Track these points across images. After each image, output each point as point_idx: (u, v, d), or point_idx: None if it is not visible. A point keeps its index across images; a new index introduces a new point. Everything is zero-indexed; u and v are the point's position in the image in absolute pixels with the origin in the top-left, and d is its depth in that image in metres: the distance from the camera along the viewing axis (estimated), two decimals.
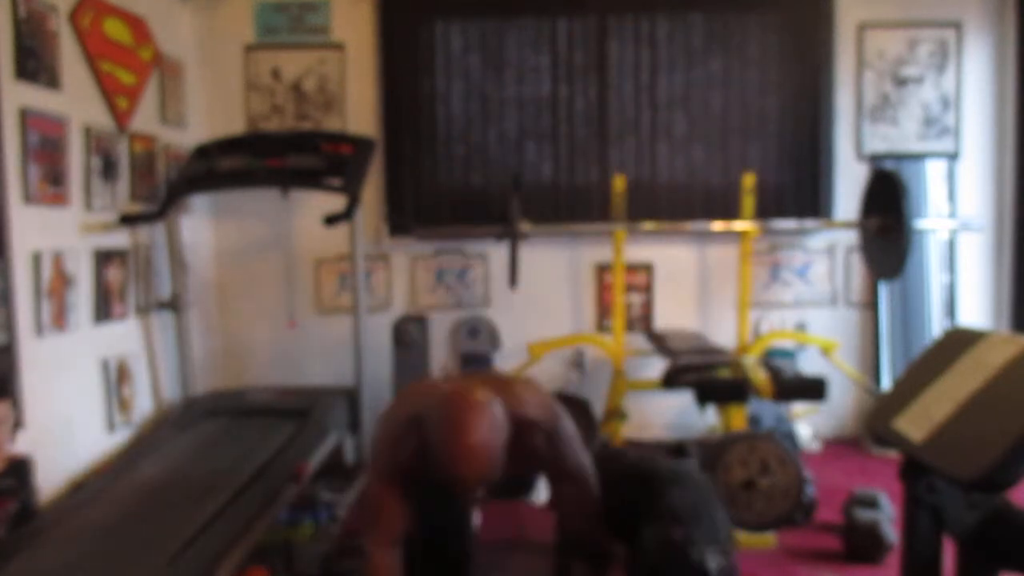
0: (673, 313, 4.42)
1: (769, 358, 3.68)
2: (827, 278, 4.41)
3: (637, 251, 4.30)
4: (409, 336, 3.88)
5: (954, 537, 1.81)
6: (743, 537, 2.76)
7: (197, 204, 4.17)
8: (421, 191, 4.36)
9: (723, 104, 4.33)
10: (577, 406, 3.45)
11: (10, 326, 2.64)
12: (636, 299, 4.41)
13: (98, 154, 3.23)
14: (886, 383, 4.24)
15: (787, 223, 4.14)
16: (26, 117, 2.74)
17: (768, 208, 4.17)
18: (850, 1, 4.29)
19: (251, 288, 4.41)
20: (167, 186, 3.74)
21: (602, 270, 4.40)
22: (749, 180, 3.90)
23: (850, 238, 4.26)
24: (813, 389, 3.02)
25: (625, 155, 4.34)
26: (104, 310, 3.26)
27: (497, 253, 4.32)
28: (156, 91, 3.78)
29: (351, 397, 3.68)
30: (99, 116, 3.27)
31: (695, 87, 4.33)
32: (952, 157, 4.33)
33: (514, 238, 3.78)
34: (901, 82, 4.32)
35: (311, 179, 3.61)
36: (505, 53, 4.34)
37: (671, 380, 3.06)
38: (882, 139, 4.35)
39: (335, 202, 3.61)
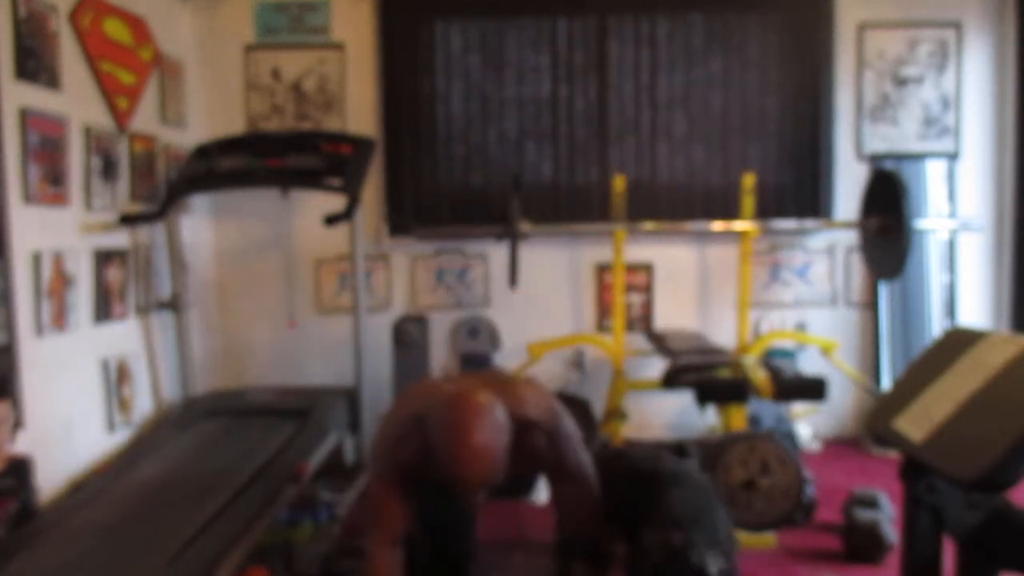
0: (673, 313, 4.42)
1: (769, 358, 3.68)
2: (827, 278, 4.41)
3: (637, 251, 4.30)
4: (409, 336, 3.88)
5: (954, 537, 1.81)
6: (743, 537, 2.76)
7: (197, 204, 4.17)
8: (421, 191, 4.36)
9: (723, 104, 4.33)
10: (577, 406, 3.45)
11: (10, 326, 2.64)
12: (636, 299, 4.41)
13: (98, 154, 3.23)
14: (886, 383, 4.24)
15: (787, 223, 4.14)
16: (26, 117, 2.74)
17: (768, 208, 4.17)
18: (850, 1, 4.29)
19: (251, 288, 4.41)
20: (167, 186, 3.74)
21: (602, 270, 4.40)
22: (749, 180, 3.90)
23: (850, 238, 4.26)
24: (813, 389, 3.02)
25: (625, 155, 4.34)
26: (104, 310, 3.26)
27: (497, 253, 4.32)
28: (156, 91, 3.78)
29: (351, 397, 3.68)
30: (99, 116, 3.27)
31: (695, 87, 4.33)
32: (952, 157, 4.33)
33: (514, 238, 3.78)
34: (901, 82, 4.32)
35: (311, 179, 3.61)
36: (505, 53, 4.34)
37: (671, 380, 3.06)
38: (882, 139, 4.35)
39: (335, 202, 3.61)
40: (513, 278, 3.79)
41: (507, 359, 4.28)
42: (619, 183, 3.88)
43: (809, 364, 4.09)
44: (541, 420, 2.09)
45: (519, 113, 4.36)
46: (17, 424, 2.60)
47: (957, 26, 4.29)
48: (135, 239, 3.53)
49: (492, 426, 1.87)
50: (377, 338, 4.02)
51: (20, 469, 2.53)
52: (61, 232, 2.99)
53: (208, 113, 4.32)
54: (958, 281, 4.34)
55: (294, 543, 2.74)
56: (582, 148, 4.35)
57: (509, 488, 2.88)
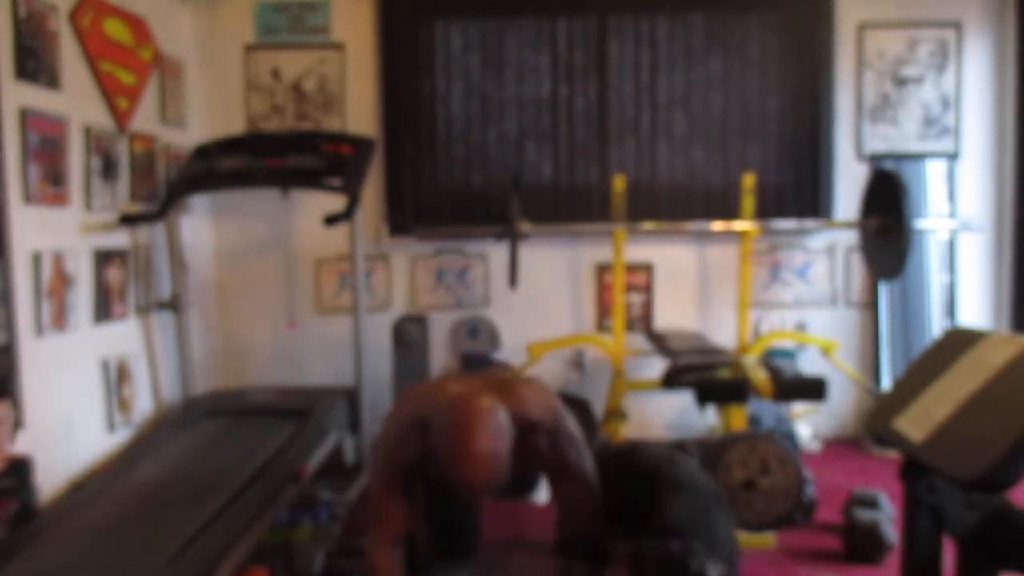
0: (673, 313, 4.42)
1: (769, 358, 3.68)
2: (827, 278, 4.41)
3: (637, 251, 4.29)
4: (409, 336, 3.88)
5: (954, 537, 1.81)
6: (743, 537, 2.76)
7: (197, 204, 4.17)
8: (421, 191, 4.36)
9: (723, 104, 4.33)
10: (577, 406, 3.44)
11: (10, 326, 2.64)
12: (636, 299, 4.41)
13: (98, 154, 3.23)
14: (886, 383, 4.24)
15: (787, 223, 4.14)
16: (26, 117, 2.74)
17: (768, 208, 4.17)
18: (850, 1, 4.29)
19: (251, 288, 4.41)
20: (167, 186, 3.74)
21: (602, 270, 4.40)
22: (749, 180, 3.90)
23: (850, 238, 4.26)
24: (813, 389, 3.02)
25: (625, 155, 4.34)
26: (104, 310, 3.26)
27: (497, 253, 4.32)
28: (156, 91, 3.78)
29: (351, 397, 3.68)
30: (99, 116, 3.27)
31: (695, 87, 4.33)
32: (952, 157, 4.33)
33: (514, 238, 3.78)
34: (901, 82, 4.32)
35: (311, 179, 3.61)
36: (505, 53, 4.34)
37: (671, 380, 3.06)
38: (882, 139, 4.35)
39: (335, 202, 3.61)
40: (513, 278, 3.79)
41: (507, 359, 4.27)
42: (619, 183, 3.88)
43: (809, 364, 4.09)
44: (543, 421, 2.09)
45: (519, 113, 4.36)
46: (17, 424, 2.60)
47: (957, 26, 4.29)
48: (135, 239, 3.53)
49: (495, 431, 1.87)
50: (377, 338, 4.02)
51: (20, 469, 2.53)
52: (61, 232, 2.99)
53: (208, 113, 4.32)
54: (958, 281, 4.34)
55: (294, 543, 2.74)
56: (582, 148, 4.35)
57: (510, 488, 2.89)
